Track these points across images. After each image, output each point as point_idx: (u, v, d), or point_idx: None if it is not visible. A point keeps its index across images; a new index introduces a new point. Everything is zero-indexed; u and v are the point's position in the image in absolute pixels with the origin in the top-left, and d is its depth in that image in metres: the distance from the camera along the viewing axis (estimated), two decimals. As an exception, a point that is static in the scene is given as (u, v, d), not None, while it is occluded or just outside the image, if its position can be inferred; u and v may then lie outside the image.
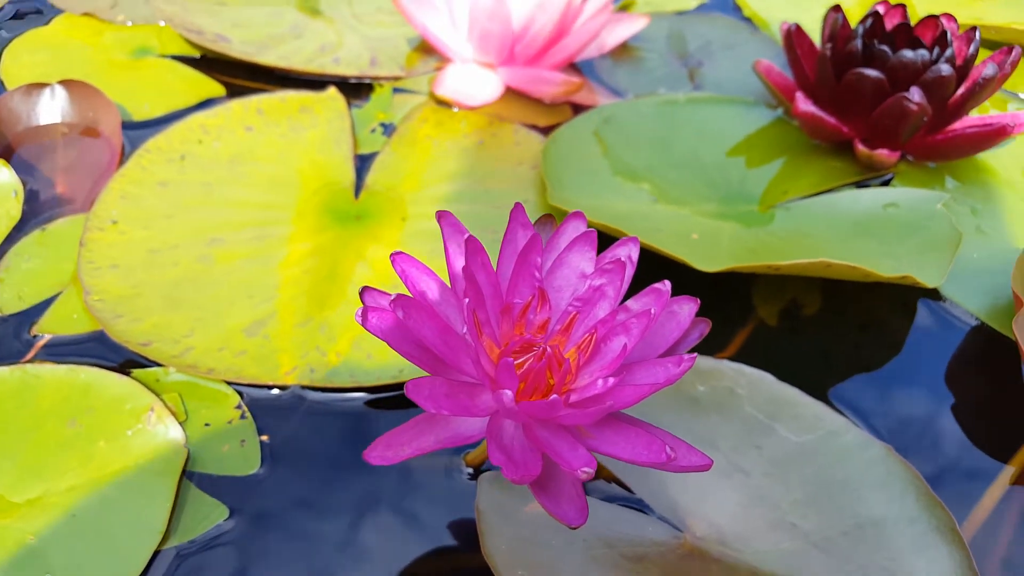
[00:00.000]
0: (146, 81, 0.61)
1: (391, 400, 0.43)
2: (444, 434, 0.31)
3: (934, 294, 0.53)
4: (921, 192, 0.56)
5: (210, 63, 0.64)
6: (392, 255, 0.31)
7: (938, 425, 0.46)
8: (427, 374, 0.31)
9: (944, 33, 0.59)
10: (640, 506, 0.39)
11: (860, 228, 0.54)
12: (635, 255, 0.34)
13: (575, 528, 0.29)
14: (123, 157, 0.54)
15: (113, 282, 0.46)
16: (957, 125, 0.59)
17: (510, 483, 0.37)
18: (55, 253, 0.48)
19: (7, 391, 0.40)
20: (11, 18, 0.67)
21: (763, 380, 0.44)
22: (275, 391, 0.42)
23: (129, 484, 0.37)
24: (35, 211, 0.51)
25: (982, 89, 0.57)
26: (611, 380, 0.30)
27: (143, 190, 0.51)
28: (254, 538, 0.37)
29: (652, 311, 0.31)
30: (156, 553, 0.35)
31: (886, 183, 0.60)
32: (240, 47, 0.64)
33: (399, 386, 0.43)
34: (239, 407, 0.41)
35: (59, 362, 0.42)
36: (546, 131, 0.61)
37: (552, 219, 0.36)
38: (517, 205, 0.34)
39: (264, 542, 0.37)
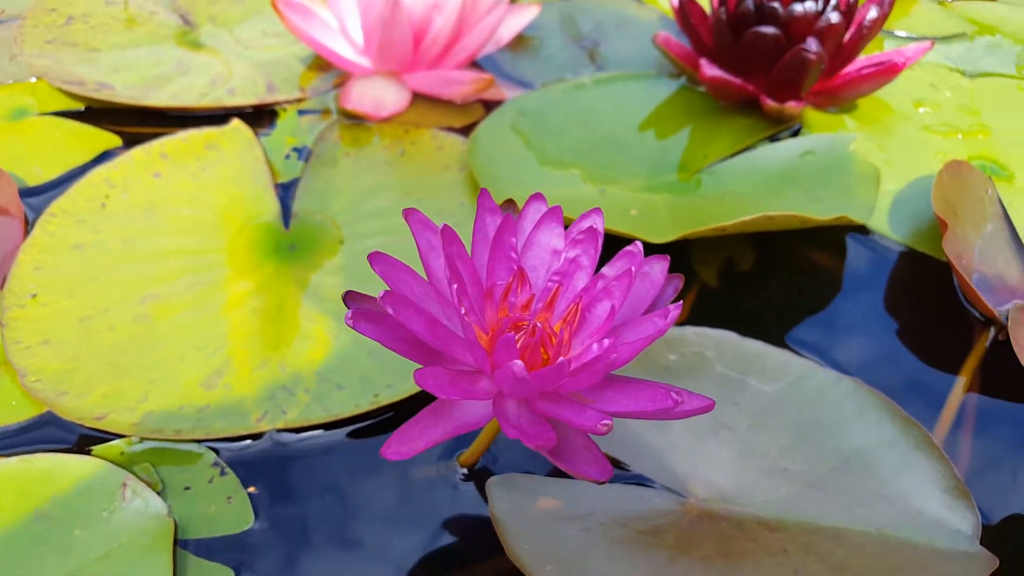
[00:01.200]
0: (32, 143, 0.57)
1: (373, 426, 0.41)
2: (450, 424, 0.31)
3: (861, 230, 0.55)
4: (832, 136, 0.58)
5: (97, 114, 0.60)
6: (370, 256, 0.31)
7: (890, 350, 0.49)
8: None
9: (823, -20, 0.61)
10: (641, 480, 0.39)
11: (784, 179, 0.56)
12: (600, 224, 0.34)
13: (602, 483, 0.30)
14: (27, 226, 0.50)
15: (48, 359, 0.42)
16: (851, 69, 0.62)
17: (518, 484, 0.37)
18: (-27, 339, 0.44)
19: (-44, 497, 0.36)
20: None
21: (728, 339, 0.45)
22: (250, 441, 0.40)
23: (119, 568, 0.34)
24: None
25: (869, 31, 0.60)
26: (606, 342, 0.30)
27: (57, 257, 0.48)
28: (265, 595, 0.35)
29: (632, 270, 0.32)
30: (164, 633, 0.33)
31: (795, 133, 0.62)
32: (125, 92, 0.60)
33: (379, 411, 0.42)
34: (216, 464, 0.39)
35: (7, 454, 0.38)
36: (463, 131, 0.60)
37: (514, 203, 0.36)
38: (483, 191, 0.34)
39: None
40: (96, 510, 0.36)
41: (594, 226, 0.34)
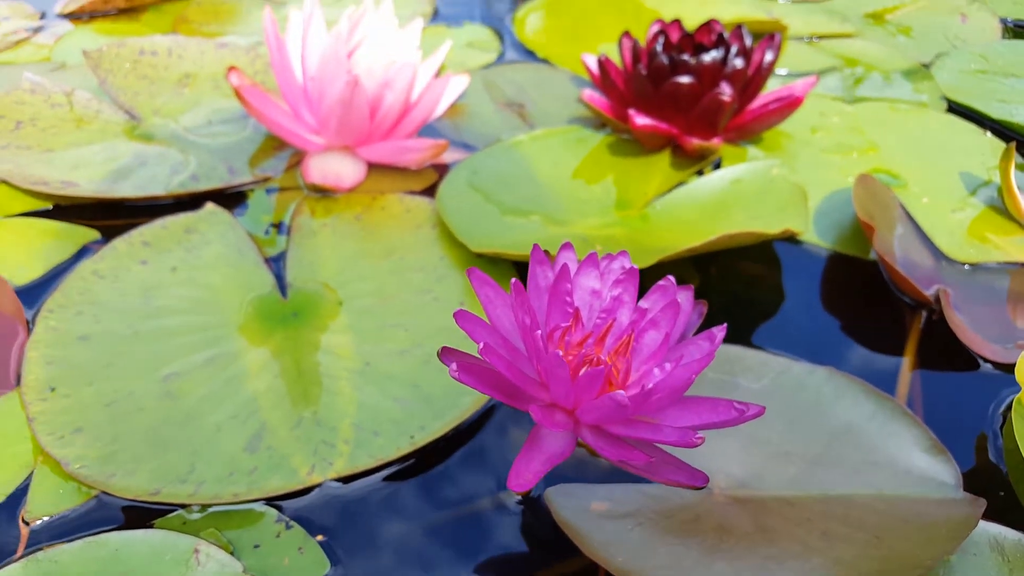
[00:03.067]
0: (7, 245, 0.57)
1: (417, 464, 0.44)
2: (545, 456, 0.35)
3: (791, 241, 0.63)
4: (754, 164, 0.66)
5: (66, 211, 0.61)
6: (455, 313, 0.35)
7: (840, 342, 0.55)
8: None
9: (720, 35, 0.70)
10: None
11: (722, 205, 0.63)
12: (629, 264, 0.39)
13: (701, 488, 0.34)
14: (29, 327, 0.50)
15: (87, 445, 0.43)
16: (756, 105, 0.71)
17: (571, 492, 0.41)
18: (2, 439, 0.44)
19: (33, 585, 0.37)
20: None
21: None
22: (305, 494, 0.42)
23: (210, 628, 0.36)
24: (-50, 404, 0.46)
25: (767, 71, 0.69)
26: (667, 365, 0.34)
27: (67, 350, 0.48)
28: (359, 629, 0.37)
29: (677, 301, 0.37)
30: None
31: (717, 166, 0.70)
32: (91, 187, 0.61)
33: (418, 451, 0.45)
34: (280, 519, 0.41)
35: (70, 540, 0.39)
36: (425, 193, 0.64)
37: (550, 255, 0.40)
38: (535, 247, 0.38)
39: (370, 629, 0.37)
40: (173, 579, 0.38)
41: (632, 266, 0.39)
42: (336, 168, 0.65)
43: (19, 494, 0.42)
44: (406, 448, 0.44)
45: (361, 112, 0.63)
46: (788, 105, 0.69)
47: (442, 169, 0.68)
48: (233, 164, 0.66)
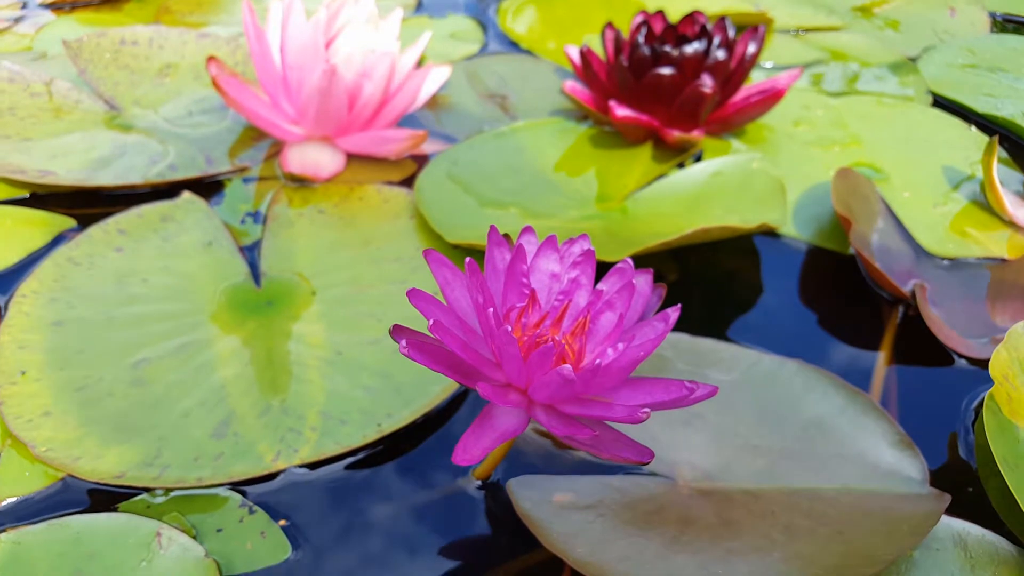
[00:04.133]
0: (-18, 232, 0.58)
1: (384, 452, 0.45)
2: (496, 433, 0.35)
3: (770, 234, 0.63)
4: (735, 157, 0.66)
5: (44, 199, 0.61)
6: (408, 292, 0.35)
7: (816, 336, 0.55)
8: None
9: (704, 27, 0.70)
10: (631, 471, 0.44)
11: (701, 198, 0.63)
12: (588, 246, 0.39)
13: (647, 463, 0.35)
14: (0, 311, 0.51)
15: (55, 428, 0.43)
16: (738, 98, 0.71)
17: (533, 483, 0.41)
18: (-31, 422, 0.44)
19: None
20: None
21: (682, 340, 0.51)
22: (270, 480, 0.42)
23: (169, 610, 0.36)
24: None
25: (749, 63, 0.69)
26: (620, 346, 0.35)
27: (39, 335, 0.49)
28: (318, 613, 0.37)
29: (632, 282, 0.37)
30: (231, 662, 0.35)
31: (698, 159, 0.70)
32: (69, 176, 0.62)
33: (385, 438, 0.45)
34: (244, 504, 0.41)
35: (34, 522, 0.39)
36: (403, 184, 0.65)
37: (509, 237, 0.40)
38: (492, 228, 0.38)
39: (328, 613, 0.37)
40: (134, 561, 0.38)
41: (589, 248, 0.39)
42: (314, 158, 0.65)
43: (-16, 478, 0.42)
44: (372, 436, 0.44)
45: (339, 102, 0.63)
46: (770, 97, 0.69)
47: (422, 160, 0.68)
48: (211, 154, 0.66)
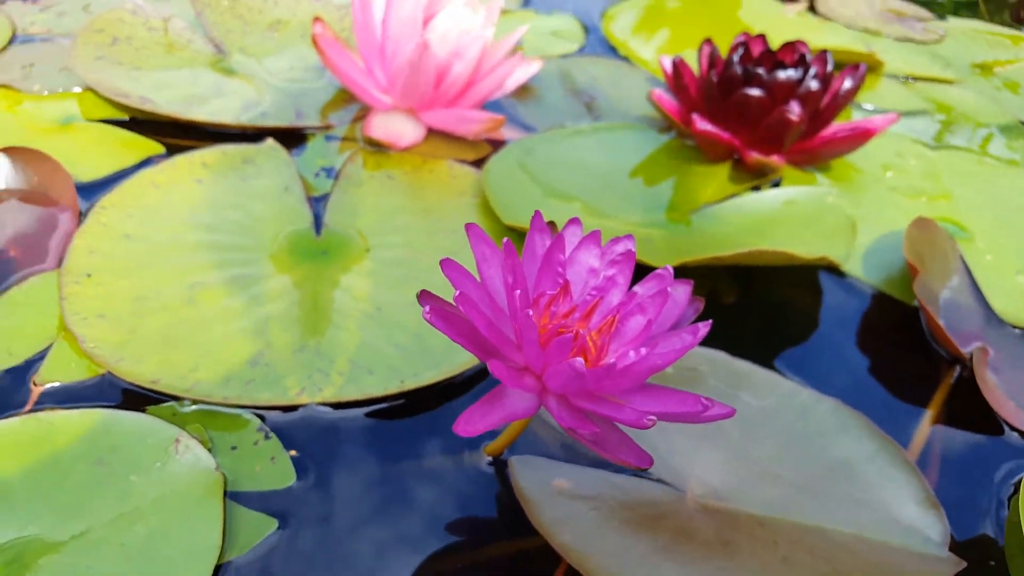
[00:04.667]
0: (81, 145, 0.62)
1: (399, 407, 0.46)
2: (504, 412, 0.35)
3: (835, 272, 0.62)
4: (811, 189, 0.65)
5: (141, 124, 0.65)
6: (442, 261, 0.35)
7: (862, 382, 0.54)
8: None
9: (803, 56, 0.69)
10: (641, 474, 0.44)
11: (768, 223, 0.62)
12: (633, 247, 0.39)
13: (645, 469, 0.34)
14: (81, 217, 0.54)
15: (105, 330, 0.46)
16: (827, 132, 0.70)
17: (536, 464, 0.41)
18: (34, 310, 0.48)
19: (25, 440, 0.40)
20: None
21: (719, 358, 0.51)
22: (289, 411, 0.44)
23: (172, 511, 0.38)
24: (2, 274, 0.50)
25: (844, 99, 0.68)
26: (643, 350, 0.35)
27: (110, 244, 0.52)
28: (306, 543, 0.39)
29: (667, 289, 0.37)
30: (217, 568, 0.37)
31: (775, 186, 0.69)
32: (167, 107, 0.65)
33: (404, 394, 0.46)
34: (261, 429, 0.43)
35: (69, 407, 0.42)
36: (474, 164, 0.66)
37: (554, 225, 0.41)
38: (537, 213, 0.39)
39: (316, 545, 0.39)
40: (150, 460, 0.40)
41: (630, 249, 0.39)
42: (397, 127, 0.67)
43: (36, 360, 0.45)
44: (394, 390, 0.46)
45: (427, 76, 0.65)
46: (858, 135, 0.68)
47: (498, 144, 0.69)
48: (302, 108, 0.69)
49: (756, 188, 0.68)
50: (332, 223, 0.58)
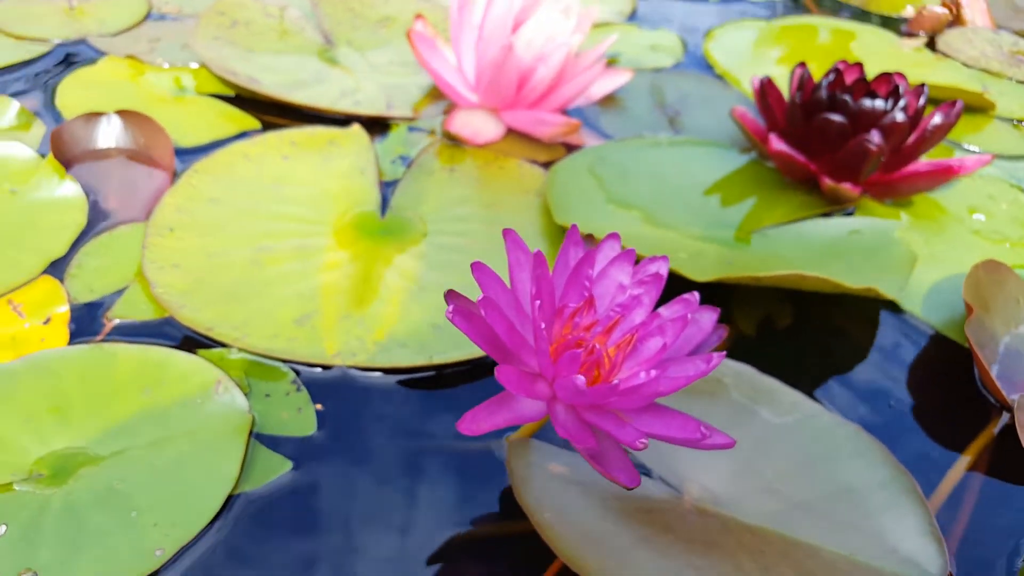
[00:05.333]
0: (188, 114, 0.68)
1: (424, 380, 0.49)
2: (510, 414, 0.37)
3: (895, 308, 0.60)
4: (881, 221, 0.64)
5: (244, 101, 0.71)
6: (472, 264, 0.37)
7: (902, 419, 0.53)
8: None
9: (896, 87, 0.68)
10: (641, 469, 0.45)
11: (828, 250, 0.62)
12: (665, 271, 0.41)
13: (631, 489, 0.36)
14: (175, 177, 0.60)
15: (176, 279, 0.52)
16: (911, 167, 0.68)
17: (534, 446, 0.43)
18: (119, 255, 0.54)
19: (90, 364, 0.45)
20: (60, 60, 0.74)
21: (746, 372, 0.51)
22: (323, 370, 0.48)
23: (202, 442, 0.42)
24: (96, 221, 0.57)
25: (932, 135, 0.66)
26: (653, 372, 0.36)
27: (195, 205, 0.58)
28: (314, 487, 0.42)
29: (687, 316, 0.38)
30: (230, 497, 0.41)
31: (849, 215, 0.68)
32: (271, 88, 0.71)
33: (430, 367, 0.49)
34: (294, 382, 0.47)
35: (131, 342, 0.47)
36: (545, 165, 0.68)
37: (592, 238, 0.42)
38: (573, 227, 0.40)
39: (323, 490, 0.42)
40: (192, 397, 0.45)
41: (660, 272, 0.40)
42: (477, 124, 0.71)
43: (112, 298, 0.51)
44: (420, 363, 0.49)
45: (510, 78, 0.68)
46: (940, 172, 0.66)
47: (573, 149, 0.71)
48: (393, 100, 0.74)
49: (828, 215, 0.68)
50: (397, 207, 0.61)
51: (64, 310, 0.49)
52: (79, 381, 0.44)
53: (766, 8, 1.08)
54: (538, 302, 0.35)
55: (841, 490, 0.45)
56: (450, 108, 0.74)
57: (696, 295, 0.40)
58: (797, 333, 0.58)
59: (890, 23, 1.08)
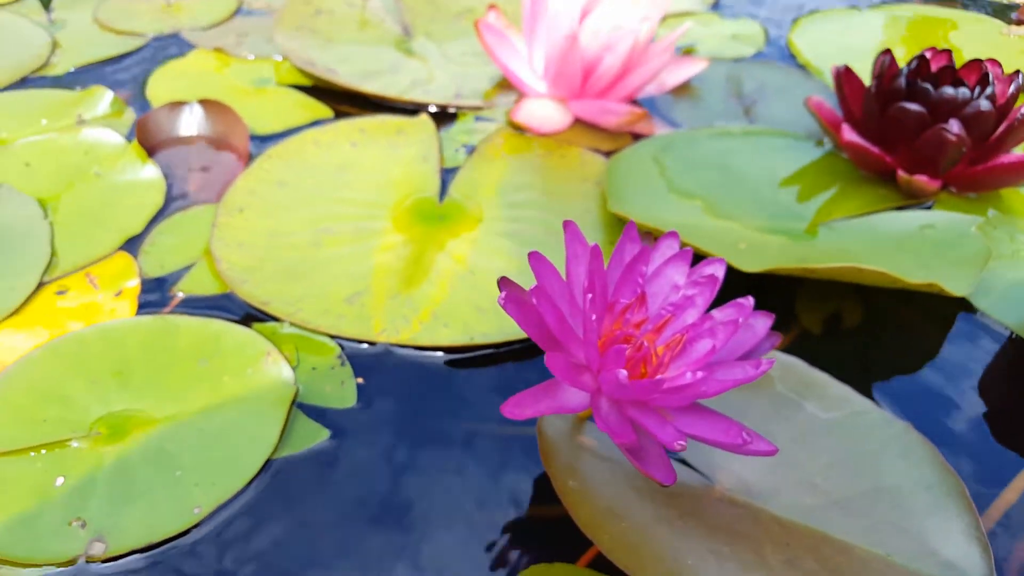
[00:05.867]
0: (266, 104, 0.72)
1: (463, 360, 0.50)
2: (554, 403, 0.38)
3: (969, 308, 0.57)
4: (958, 216, 0.61)
5: (320, 91, 0.74)
6: (529, 254, 0.37)
7: (970, 424, 0.50)
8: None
9: (986, 75, 0.64)
10: (675, 456, 0.45)
11: (897, 245, 0.59)
12: (721, 273, 0.40)
13: (667, 487, 0.36)
14: (248, 162, 0.64)
15: (240, 256, 0.55)
16: (998, 159, 0.64)
17: (567, 419, 0.43)
18: (190, 233, 0.57)
19: (153, 333, 0.49)
20: (154, 53, 0.79)
21: (795, 365, 0.50)
22: (368, 346, 0.50)
23: (248, 409, 0.45)
24: (172, 201, 0.61)
25: (1021, 126, 0.62)
26: (700, 373, 0.35)
27: (265, 188, 0.61)
28: (350, 455, 0.44)
29: (739, 320, 0.38)
30: (268, 461, 0.43)
31: (927, 210, 0.65)
32: (346, 78, 0.74)
33: (469, 348, 0.50)
34: (340, 356, 0.49)
35: (193, 315, 0.50)
36: (608, 154, 0.68)
37: (650, 235, 0.42)
38: (630, 223, 0.40)
39: (358, 459, 0.44)
40: (244, 366, 0.47)
41: (715, 274, 0.40)
42: (543, 114, 0.71)
43: (180, 273, 0.55)
44: (461, 343, 0.50)
45: (575, 67, 0.68)
46: (1024, 164, 0.62)
47: (640, 139, 0.71)
48: (463, 91, 0.75)
49: (903, 210, 0.65)
50: (455, 193, 0.63)
51: (135, 284, 0.53)
52: (142, 349, 0.48)
53: (861, -5, 1.03)
54: (590, 295, 0.36)
55: (883, 489, 0.43)
56: (519, 98, 0.75)
57: (751, 299, 0.39)
58: (864, 331, 0.56)
59: (1002, 12, 1.02)
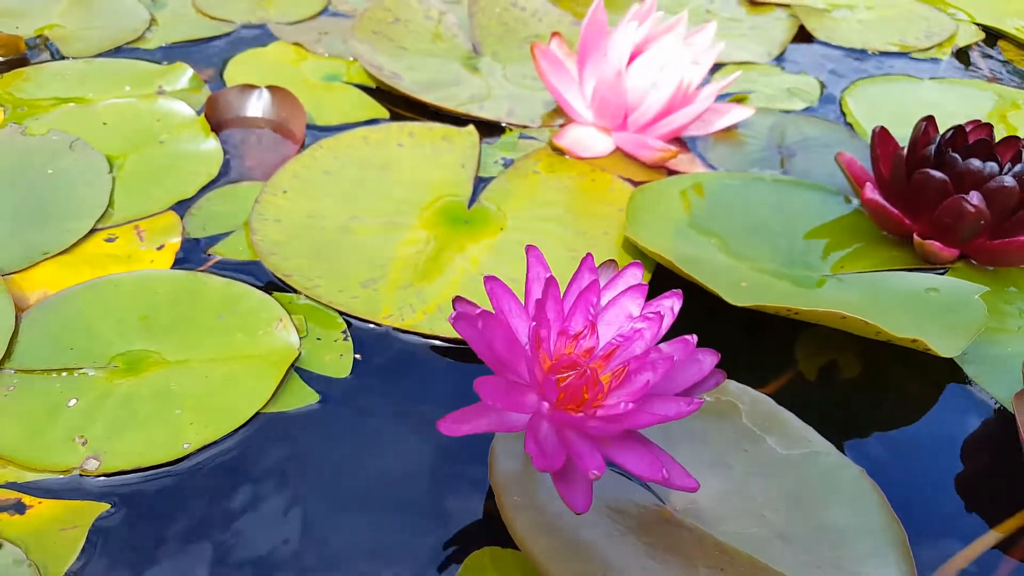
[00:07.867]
0: (330, 98, 0.78)
1: (457, 350, 0.54)
2: (495, 421, 0.39)
3: (963, 377, 0.58)
4: (966, 283, 0.61)
5: (382, 94, 0.80)
6: (485, 278, 0.40)
7: (934, 487, 0.51)
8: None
9: (1020, 152, 0.65)
10: (628, 474, 0.46)
11: (898, 303, 0.60)
12: (677, 307, 0.42)
13: (579, 514, 0.38)
14: (302, 148, 0.69)
15: (274, 230, 0.60)
16: (1017, 236, 0.65)
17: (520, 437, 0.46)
18: (235, 204, 0.63)
19: (183, 286, 0.55)
20: (239, 39, 0.86)
21: (763, 401, 0.51)
22: (373, 326, 0.54)
23: (251, 365, 0.50)
24: (226, 174, 0.67)
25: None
26: (630, 405, 0.37)
27: (311, 174, 0.66)
28: (335, 419, 0.49)
29: (675, 358, 0.39)
30: (257, 413, 0.48)
31: (940, 276, 0.66)
32: (408, 85, 0.79)
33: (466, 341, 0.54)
34: (344, 332, 0.54)
35: (222, 276, 0.56)
36: (639, 184, 0.71)
37: (615, 264, 0.45)
38: (587, 256, 0.43)
39: (342, 423, 0.48)
40: (256, 328, 0.52)
41: (673, 307, 0.42)
42: (585, 140, 0.75)
43: (218, 238, 0.61)
44: (458, 335, 0.53)
45: (619, 100, 0.71)
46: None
47: (675, 174, 0.73)
48: (515, 109, 0.79)
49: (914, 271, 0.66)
50: (484, 201, 0.67)
51: (176, 240, 0.59)
52: (169, 299, 0.53)
53: (931, 66, 1.04)
54: (533, 323, 0.38)
55: (828, 527, 0.45)
56: (565, 122, 0.79)
57: (695, 337, 0.40)
58: (856, 383, 0.57)
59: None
